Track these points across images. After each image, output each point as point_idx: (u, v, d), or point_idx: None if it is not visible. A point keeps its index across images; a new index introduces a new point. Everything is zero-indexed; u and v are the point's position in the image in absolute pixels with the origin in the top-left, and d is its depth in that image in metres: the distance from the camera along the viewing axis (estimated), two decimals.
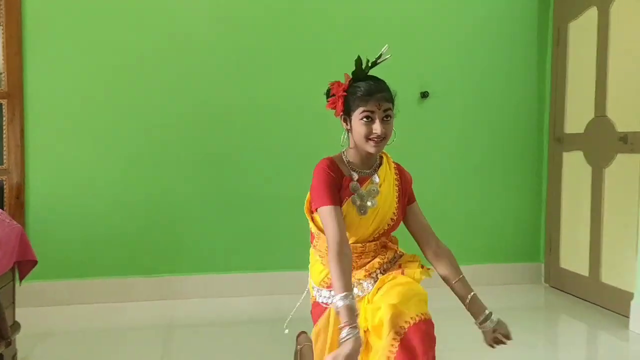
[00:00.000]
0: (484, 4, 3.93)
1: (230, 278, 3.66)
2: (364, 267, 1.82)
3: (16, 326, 2.37)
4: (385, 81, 1.83)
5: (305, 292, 2.04)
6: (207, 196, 3.63)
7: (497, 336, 1.82)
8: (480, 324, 1.81)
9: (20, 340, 2.62)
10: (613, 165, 3.43)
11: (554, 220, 3.98)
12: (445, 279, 1.86)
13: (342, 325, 1.56)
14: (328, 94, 1.87)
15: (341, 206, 1.78)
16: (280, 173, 3.69)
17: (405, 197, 1.91)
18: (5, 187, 3.40)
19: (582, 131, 3.70)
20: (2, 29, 3.35)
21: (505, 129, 4.02)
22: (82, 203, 3.48)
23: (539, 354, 2.79)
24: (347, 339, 1.52)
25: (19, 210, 3.40)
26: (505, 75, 3.99)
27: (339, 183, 1.79)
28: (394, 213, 1.85)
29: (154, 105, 3.55)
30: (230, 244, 3.67)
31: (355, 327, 1.55)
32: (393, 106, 1.79)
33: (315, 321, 1.86)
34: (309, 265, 1.98)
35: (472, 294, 1.82)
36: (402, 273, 1.78)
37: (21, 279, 2.42)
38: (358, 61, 1.81)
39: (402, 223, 1.93)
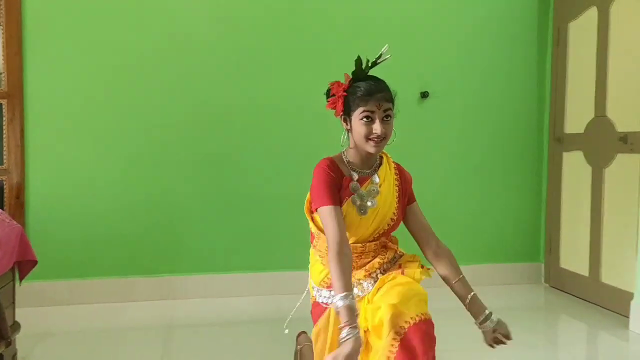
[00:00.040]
0: (484, 4, 3.92)
1: (230, 278, 3.66)
2: (364, 267, 1.82)
3: (16, 326, 2.37)
4: (385, 81, 1.83)
5: (305, 292, 2.04)
6: (207, 196, 3.63)
7: (497, 336, 1.82)
8: (480, 324, 1.81)
9: (20, 340, 2.62)
10: (613, 165, 3.43)
11: (554, 220, 3.98)
12: (445, 279, 1.86)
13: (342, 325, 1.56)
14: (328, 94, 1.87)
15: (341, 206, 1.78)
16: (280, 173, 3.69)
17: (405, 197, 1.91)
18: (5, 187, 3.41)
19: (582, 131, 3.70)
20: (2, 29, 3.35)
21: (505, 129, 4.02)
22: (82, 203, 3.48)
23: (538, 354, 2.79)
24: (347, 339, 1.52)
25: (19, 210, 3.40)
26: (505, 75, 3.99)
27: (339, 183, 1.79)
28: (394, 213, 1.85)
29: (153, 105, 3.55)
30: (230, 244, 3.67)
31: (355, 327, 1.55)
32: (393, 106, 1.79)
33: (315, 321, 1.86)
34: (309, 265, 1.98)
35: (472, 294, 1.82)
36: (402, 273, 1.78)
37: (21, 279, 2.42)
38: (358, 61, 1.81)
39: (402, 223, 1.93)
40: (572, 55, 3.84)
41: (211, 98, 3.60)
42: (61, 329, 3.08)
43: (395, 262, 1.87)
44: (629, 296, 3.19)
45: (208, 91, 3.60)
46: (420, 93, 3.83)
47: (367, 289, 1.78)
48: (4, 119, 3.39)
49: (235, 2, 3.62)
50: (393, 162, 1.94)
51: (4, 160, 3.40)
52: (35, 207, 3.43)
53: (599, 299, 3.52)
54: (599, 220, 3.52)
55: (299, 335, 2.22)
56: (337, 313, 1.60)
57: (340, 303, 1.59)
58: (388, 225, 1.85)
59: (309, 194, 1.87)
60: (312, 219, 1.89)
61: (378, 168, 1.87)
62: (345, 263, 1.67)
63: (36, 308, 3.35)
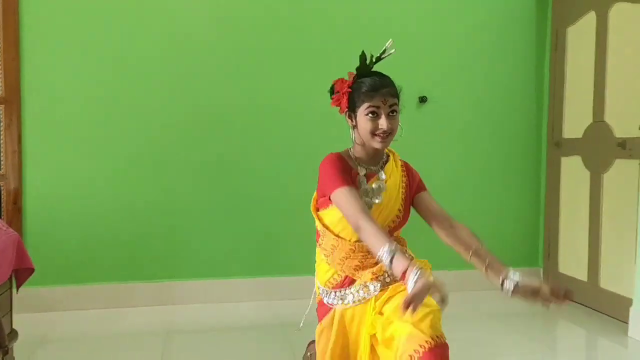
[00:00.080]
0: (482, 9, 3.93)
1: (230, 283, 3.66)
2: (371, 269, 1.76)
3: (14, 334, 2.36)
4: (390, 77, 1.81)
5: (314, 294, 2.00)
6: (206, 200, 3.62)
7: (536, 293, 1.61)
8: (503, 290, 1.65)
9: (18, 346, 2.60)
10: (611, 171, 3.43)
11: (553, 225, 3.98)
12: (462, 249, 1.78)
13: (404, 270, 1.47)
14: (332, 91, 1.85)
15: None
16: (281, 175, 3.68)
17: (412, 195, 1.88)
18: (2, 192, 3.39)
19: (580, 136, 3.71)
20: None
21: (504, 134, 4.02)
22: (80, 208, 3.47)
23: None
24: (418, 279, 1.42)
25: (16, 216, 3.39)
26: (503, 80, 3.99)
27: (349, 172, 1.77)
28: (399, 210, 1.82)
29: (152, 110, 3.54)
30: (230, 249, 3.66)
31: (417, 266, 1.45)
32: (398, 101, 1.77)
33: (320, 319, 1.83)
34: (315, 265, 1.93)
35: (488, 259, 1.72)
36: None
37: (18, 286, 2.41)
38: (362, 57, 1.79)
39: (406, 225, 1.88)
40: (570, 60, 3.85)
41: (211, 99, 3.59)
42: (60, 335, 3.07)
43: None
44: (628, 302, 3.18)
45: (207, 92, 3.59)
46: (419, 98, 3.83)
47: (374, 291, 1.74)
48: (1, 124, 3.38)
49: (235, 2, 3.61)
50: (400, 160, 1.91)
51: (1, 166, 3.39)
52: (33, 213, 3.42)
53: (598, 304, 3.52)
54: (597, 226, 3.52)
55: (310, 342, 2.19)
56: (390, 265, 1.52)
57: (388, 255, 1.52)
58: (394, 222, 1.82)
59: (315, 192, 1.85)
60: (318, 217, 1.85)
61: (385, 165, 1.85)
62: (374, 221, 1.62)
63: (34, 314, 3.33)
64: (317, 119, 3.65)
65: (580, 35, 3.73)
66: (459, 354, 2.66)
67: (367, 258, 1.78)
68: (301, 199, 3.74)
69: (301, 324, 1.99)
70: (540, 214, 4.12)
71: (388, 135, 1.74)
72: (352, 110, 1.79)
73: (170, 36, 3.54)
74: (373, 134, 1.74)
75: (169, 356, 2.79)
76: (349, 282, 1.79)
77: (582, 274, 3.67)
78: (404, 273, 1.47)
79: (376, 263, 1.76)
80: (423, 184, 1.93)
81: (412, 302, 1.36)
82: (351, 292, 1.77)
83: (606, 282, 3.47)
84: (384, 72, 1.86)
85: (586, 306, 3.62)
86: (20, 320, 2.66)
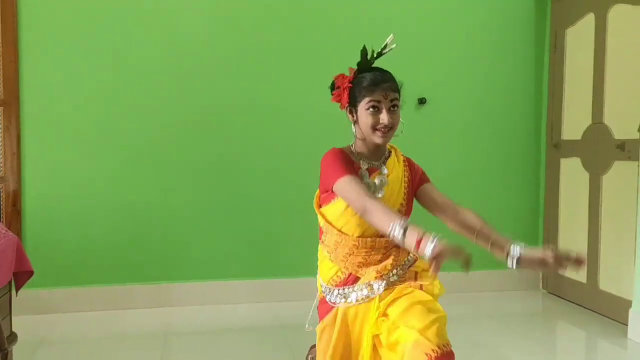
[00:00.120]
0: (481, 10, 3.93)
1: (229, 285, 3.65)
2: (375, 268, 1.74)
3: (13, 337, 2.36)
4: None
5: (316, 301, 1.98)
6: (205, 202, 3.62)
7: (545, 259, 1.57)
8: (509, 264, 1.64)
9: (17, 348, 2.60)
10: (610, 173, 3.43)
11: (552, 227, 3.98)
12: (467, 233, 1.78)
13: (418, 239, 1.43)
14: (332, 87, 1.84)
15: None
16: (280, 177, 3.67)
17: (415, 189, 1.87)
18: (1, 194, 3.39)
19: (579, 137, 3.71)
20: None
21: (503, 135, 4.02)
22: (79, 210, 3.47)
23: None
24: (435, 244, 1.40)
25: (15, 218, 3.39)
26: (502, 81, 3.99)
27: (351, 164, 1.75)
28: (401, 204, 1.81)
29: (151, 111, 3.53)
30: (228, 251, 3.66)
31: (434, 234, 1.42)
32: (399, 96, 1.76)
33: (321, 318, 1.81)
34: (318, 263, 1.91)
35: (492, 237, 1.72)
36: (421, 288, 1.72)
37: (17, 289, 2.41)
38: (363, 51, 1.78)
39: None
40: (569, 61, 3.85)
41: (210, 99, 3.59)
42: (59, 337, 3.07)
43: (409, 267, 1.80)
44: (627, 304, 3.18)
45: (207, 92, 3.58)
46: (418, 99, 3.83)
47: (378, 290, 1.71)
48: (0, 126, 3.37)
49: (235, 2, 3.61)
50: (403, 155, 1.90)
51: (0, 168, 3.39)
52: (32, 215, 3.42)
53: (597, 306, 3.52)
54: (596, 227, 3.53)
55: (312, 346, 2.18)
56: (403, 240, 1.48)
57: (400, 228, 1.48)
58: None
59: (318, 190, 1.84)
60: (321, 213, 1.83)
61: (386, 160, 1.83)
62: (381, 202, 1.62)
63: (33, 316, 3.33)
64: (317, 119, 3.65)
65: (579, 36, 3.73)
66: (458, 356, 2.66)
67: (370, 255, 1.76)
68: (301, 200, 3.77)
69: (307, 326, 1.96)
70: (539, 216, 4.12)
71: (389, 130, 1.73)
72: (352, 105, 1.78)
73: (170, 36, 3.54)
74: (374, 128, 1.73)
75: (168, 358, 2.78)
76: (352, 279, 1.77)
77: (581, 276, 3.66)
78: (419, 242, 1.43)
79: (380, 260, 1.75)
80: (426, 176, 1.91)
81: (436, 261, 1.36)
82: (354, 291, 1.75)
83: (605, 283, 3.47)
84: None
85: (585, 307, 3.62)
86: (19, 322, 2.66)
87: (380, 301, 1.70)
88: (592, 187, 3.57)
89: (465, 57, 3.93)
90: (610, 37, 3.43)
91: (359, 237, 1.75)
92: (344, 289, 1.77)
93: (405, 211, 1.82)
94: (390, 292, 1.71)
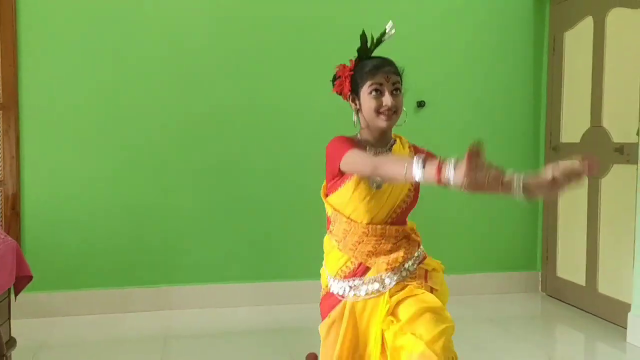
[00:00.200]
0: (479, 14, 3.93)
1: (228, 288, 3.65)
2: (386, 259, 1.71)
3: (12, 342, 2.36)
4: None
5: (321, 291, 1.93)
6: (204, 205, 3.61)
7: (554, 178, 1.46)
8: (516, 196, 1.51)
9: (17, 352, 2.60)
10: (609, 176, 3.43)
11: (551, 230, 3.98)
12: None
13: (439, 165, 1.38)
14: (334, 79, 1.83)
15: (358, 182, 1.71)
16: (280, 179, 3.67)
17: None
18: (1, 197, 3.39)
19: (578, 141, 3.71)
20: None
21: (502, 138, 4.02)
22: (78, 213, 3.46)
23: None
24: (457, 167, 1.38)
25: (15, 221, 3.39)
26: (501, 85, 4.00)
27: (357, 145, 1.73)
28: (409, 190, 1.79)
29: (150, 114, 3.53)
30: (228, 253, 3.66)
31: (449, 159, 1.38)
32: (401, 81, 1.75)
33: (325, 314, 1.77)
34: (324, 255, 1.87)
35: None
36: (431, 291, 1.71)
37: (16, 294, 2.40)
38: (363, 37, 1.77)
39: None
40: (567, 64, 3.85)
41: (210, 100, 3.59)
42: (58, 341, 3.06)
43: (419, 263, 1.77)
44: (627, 307, 3.19)
45: (207, 93, 3.58)
46: (417, 102, 3.83)
47: (390, 284, 1.69)
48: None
49: (235, 2, 3.61)
50: (408, 142, 1.87)
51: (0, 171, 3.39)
52: (31, 218, 3.42)
53: (596, 309, 3.53)
54: (595, 230, 3.53)
55: (308, 355, 2.17)
56: (422, 173, 1.40)
57: (418, 162, 1.41)
58: (404, 202, 1.77)
59: (325, 182, 1.82)
60: (328, 202, 1.81)
61: (392, 147, 1.81)
62: (389, 155, 1.64)
63: (32, 319, 3.33)
64: (317, 119, 3.65)
65: (577, 39, 3.74)
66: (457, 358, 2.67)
67: (380, 243, 1.73)
68: (301, 201, 3.77)
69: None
70: (538, 219, 4.12)
71: (393, 113, 1.71)
72: (355, 92, 1.76)
73: (170, 37, 3.54)
74: (377, 112, 1.70)
75: None
76: (362, 270, 1.73)
77: (580, 279, 3.67)
78: (439, 168, 1.36)
79: (390, 251, 1.73)
80: (432, 153, 1.86)
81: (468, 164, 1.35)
82: (365, 284, 1.71)
83: (604, 286, 3.47)
84: None
85: (584, 310, 3.62)
86: (18, 326, 2.66)
87: (390, 296, 1.67)
88: (591, 190, 3.57)
89: (465, 59, 3.93)
90: (608, 41, 3.44)
91: (368, 224, 1.72)
92: (353, 280, 1.73)
93: (413, 196, 1.80)
94: (401, 289, 1.69)
